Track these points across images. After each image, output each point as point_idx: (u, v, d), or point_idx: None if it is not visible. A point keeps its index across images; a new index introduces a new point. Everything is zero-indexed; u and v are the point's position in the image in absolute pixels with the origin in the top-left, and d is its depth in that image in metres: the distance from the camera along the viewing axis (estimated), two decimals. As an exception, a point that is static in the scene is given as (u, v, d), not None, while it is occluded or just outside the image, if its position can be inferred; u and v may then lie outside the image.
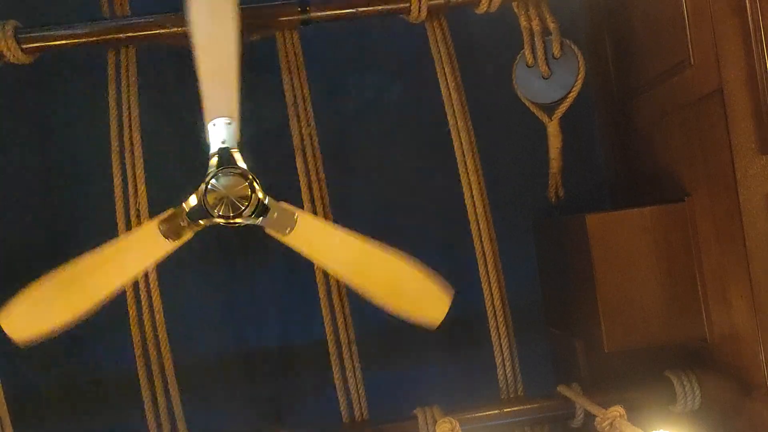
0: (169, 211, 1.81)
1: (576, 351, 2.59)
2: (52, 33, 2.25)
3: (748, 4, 1.87)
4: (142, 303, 2.26)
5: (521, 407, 2.38)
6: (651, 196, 2.47)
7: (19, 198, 2.80)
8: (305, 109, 2.34)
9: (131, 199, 2.25)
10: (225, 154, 1.79)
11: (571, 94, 2.40)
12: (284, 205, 1.84)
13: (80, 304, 1.77)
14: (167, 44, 2.30)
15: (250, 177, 1.79)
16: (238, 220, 1.81)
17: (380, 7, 2.33)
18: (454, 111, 2.38)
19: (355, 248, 1.86)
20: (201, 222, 1.81)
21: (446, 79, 2.39)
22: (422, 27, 2.40)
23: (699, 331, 2.23)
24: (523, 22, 2.38)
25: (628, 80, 2.61)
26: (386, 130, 2.91)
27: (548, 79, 2.41)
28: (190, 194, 1.80)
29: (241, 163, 1.80)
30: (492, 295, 2.38)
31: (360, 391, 2.37)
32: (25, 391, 2.73)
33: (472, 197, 2.38)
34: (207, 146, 1.80)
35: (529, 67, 2.41)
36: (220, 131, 1.78)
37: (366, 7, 2.32)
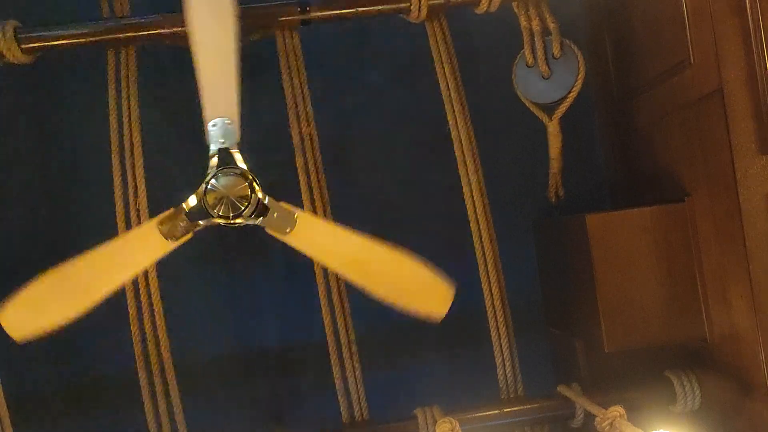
0: (169, 211, 1.81)
1: (576, 351, 2.59)
2: (51, 33, 2.24)
3: (748, 4, 1.87)
4: (142, 303, 2.27)
5: (521, 407, 2.38)
6: (651, 196, 2.47)
7: (19, 198, 2.79)
8: (305, 109, 2.34)
9: (131, 199, 2.24)
10: (225, 155, 1.80)
11: (571, 94, 2.40)
12: (284, 205, 1.84)
13: (79, 303, 1.77)
14: (167, 44, 2.30)
15: (250, 177, 1.79)
16: (238, 220, 1.81)
17: (380, 7, 2.33)
18: (454, 111, 2.38)
19: (356, 245, 1.87)
20: (201, 222, 1.82)
21: (446, 79, 2.39)
22: (422, 27, 2.40)
23: (699, 331, 2.23)
24: (523, 22, 2.38)
25: (628, 80, 2.60)
26: (386, 130, 2.90)
27: (548, 79, 2.41)
28: (190, 194, 1.80)
29: (241, 163, 1.80)
30: (492, 295, 2.38)
31: (360, 391, 2.37)
32: (25, 391, 2.73)
33: (472, 197, 2.38)
34: (207, 146, 1.80)
35: (529, 67, 2.41)
36: (219, 131, 1.78)
37: (366, 7, 2.32)
